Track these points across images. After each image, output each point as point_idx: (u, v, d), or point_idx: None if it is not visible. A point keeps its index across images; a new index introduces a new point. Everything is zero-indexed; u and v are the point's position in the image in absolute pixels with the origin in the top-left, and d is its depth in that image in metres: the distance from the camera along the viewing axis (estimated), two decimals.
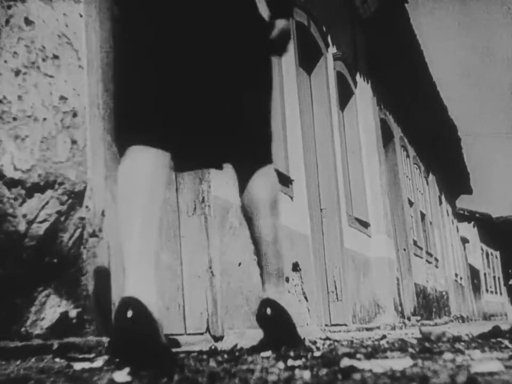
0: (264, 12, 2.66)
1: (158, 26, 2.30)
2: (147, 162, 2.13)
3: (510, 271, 37.24)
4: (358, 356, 2.01)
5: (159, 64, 2.26)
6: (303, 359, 1.99)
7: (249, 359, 2.13)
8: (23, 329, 2.93)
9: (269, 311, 2.50)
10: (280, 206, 2.59)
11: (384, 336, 4.30)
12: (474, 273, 28.10)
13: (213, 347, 2.77)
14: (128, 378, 1.63)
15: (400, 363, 1.66)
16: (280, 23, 2.64)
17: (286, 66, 6.96)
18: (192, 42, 2.32)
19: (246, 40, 2.50)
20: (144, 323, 1.89)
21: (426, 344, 2.63)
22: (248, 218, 2.56)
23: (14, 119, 3.01)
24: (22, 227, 2.98)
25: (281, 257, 2.59)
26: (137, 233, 2.05)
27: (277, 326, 2.49)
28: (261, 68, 2.63)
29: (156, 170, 2.14)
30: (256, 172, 2.53)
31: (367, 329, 7.92)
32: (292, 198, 6.65)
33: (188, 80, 2.28)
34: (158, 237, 2.14)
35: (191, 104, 2.29)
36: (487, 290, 31.63)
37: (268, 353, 2.28)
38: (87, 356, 2.70)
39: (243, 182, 2.55)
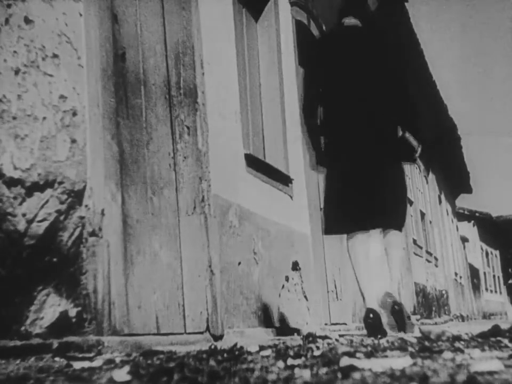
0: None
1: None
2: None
3: (510, 270, 37.23)
4: (358, 355, 2.01)
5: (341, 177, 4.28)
6: (303, 358, 1.99)
7: (249, 358, 2.12)
8: (22, 328, 2.94)
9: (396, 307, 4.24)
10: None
11: None
12: (474, 272, 28.10)
13: (212, 346, 2.77)
14: (128, 378, 1.63)
15: (399, 362, 1.66)
16: (418, 147, 4.30)
17: (286, 65, 6.96)
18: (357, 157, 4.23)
19: (392, 153, 4.26)
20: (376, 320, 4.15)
21: (426, 343, 2.63)
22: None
23: (14, 118, 3.01)
24: (21, 226, 2.98)
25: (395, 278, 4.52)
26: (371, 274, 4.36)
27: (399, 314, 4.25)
28: (398, 169, 4.42)
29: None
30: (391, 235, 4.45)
31: None
32: (291, 197, 6.65)
33: (358, 185, 4.21)
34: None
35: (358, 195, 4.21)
36: (486, 289, 31.63)
37: (268, 351, 2.28)
38: (86, 355, 2.70)
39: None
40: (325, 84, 4.42)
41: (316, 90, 4.44)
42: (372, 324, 4.14)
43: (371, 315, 4.17)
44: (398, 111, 4.30)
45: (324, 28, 8.72)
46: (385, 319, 4.19)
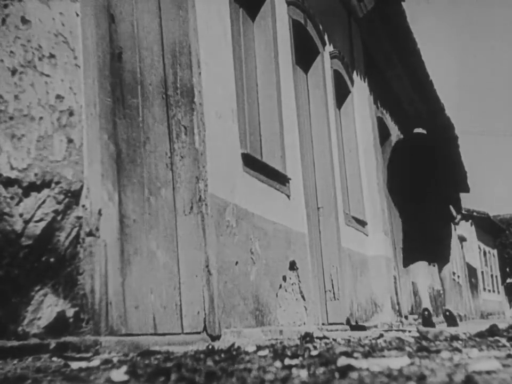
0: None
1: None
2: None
3: (507, 269, 37.25)
4: (355, 354, 2.01)
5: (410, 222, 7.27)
6: (300, 358, 1.98)
7: (247, 358, 2.12)
8: (20, 328, 2.93)
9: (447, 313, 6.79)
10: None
11: (381, 335, 4.30)
12: (471, 272, 28.12)
13: (210, 346, 2.77)
14: (125, 378, 1.63)
15: (397, 362, 1.66)
16: (458, 216, 7.30)
17: (282, 64, 6.96)
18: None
19: (444, 214, 7.15)
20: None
21: (424, 343, 2.63)
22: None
23: (11, 118, 3.00)
24: (18, 226, 2.98)
25: (450, 295, 7.26)
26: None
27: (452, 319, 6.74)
28: (447, 225, 7.19)
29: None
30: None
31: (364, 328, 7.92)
32: (288, 196, 6.65)
33: (418, 233, 7.12)
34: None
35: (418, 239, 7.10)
36: (484, 289, 31.65)
37: (265, 351, 2.28)
38: (84, 355, 2.70)
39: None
40: (402, 172, 7.04)
41: (396, 177, 7.14)
42: (426, 318, 6.54)
43: (426, 312, 6.61)
44: (449, 195, 7.10)
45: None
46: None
